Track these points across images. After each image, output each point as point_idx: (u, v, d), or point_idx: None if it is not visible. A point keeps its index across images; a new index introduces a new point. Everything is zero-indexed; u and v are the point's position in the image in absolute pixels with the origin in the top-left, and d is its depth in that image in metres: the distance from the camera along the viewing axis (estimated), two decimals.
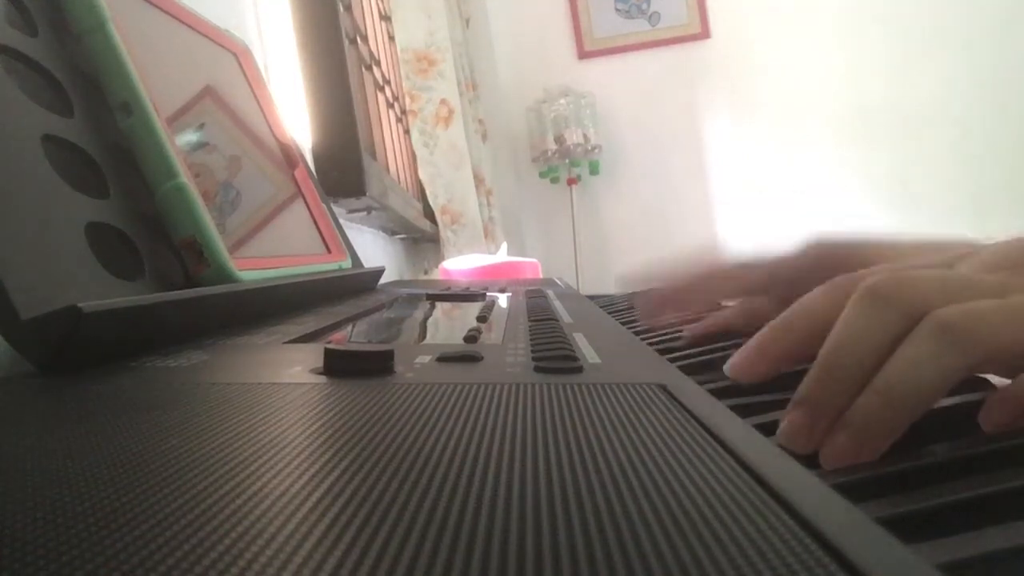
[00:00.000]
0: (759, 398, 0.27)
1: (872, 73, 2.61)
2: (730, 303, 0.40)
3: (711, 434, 0.17)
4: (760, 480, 0.14)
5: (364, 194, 0.98)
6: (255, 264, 0.46)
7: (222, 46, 0.60)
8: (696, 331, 0.37)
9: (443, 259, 1.61)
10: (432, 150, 1.73)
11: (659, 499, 0.12)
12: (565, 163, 2.62)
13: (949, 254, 0.26)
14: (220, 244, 0.40)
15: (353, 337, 0.40)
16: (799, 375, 0.23)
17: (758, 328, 0.27)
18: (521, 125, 2.69)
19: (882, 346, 0.21)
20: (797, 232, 0.36)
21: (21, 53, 0.34)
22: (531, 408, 0.19)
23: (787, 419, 0.22)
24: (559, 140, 2.55)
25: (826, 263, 0.32)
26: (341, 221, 0.80)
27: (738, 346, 0.27)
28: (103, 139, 0.38)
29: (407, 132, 1.81)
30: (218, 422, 0.18)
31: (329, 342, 0.32)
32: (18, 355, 0.26)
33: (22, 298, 0.25)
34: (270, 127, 0.64)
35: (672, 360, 0.33)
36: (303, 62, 0.96)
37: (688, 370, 0.30)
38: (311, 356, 0.28)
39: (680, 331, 0.39)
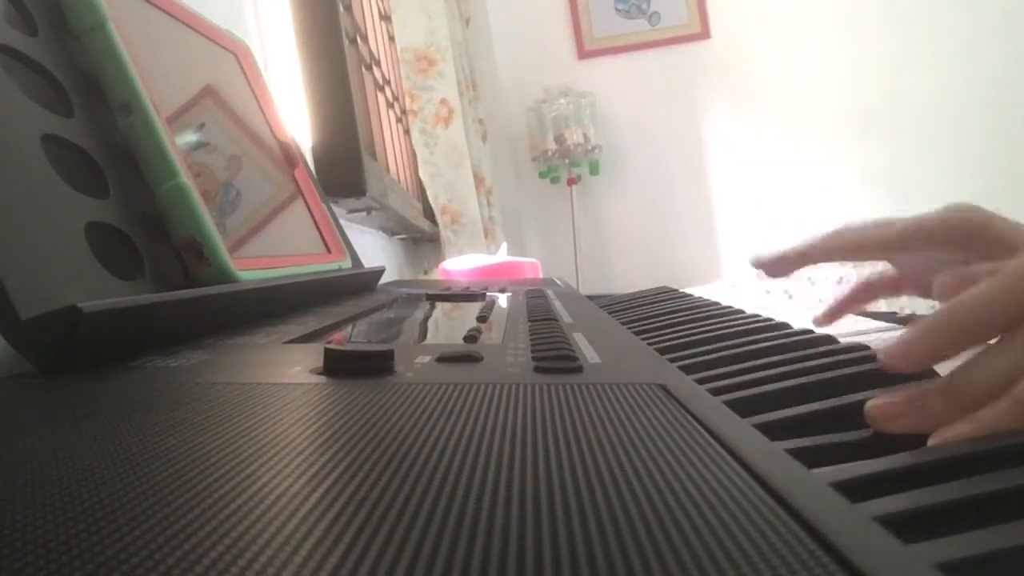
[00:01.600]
0: (758, 390, 0.27)
1: (872, 73, 2.61)
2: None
3: (711, 434, 0.17)
4: (760, 480, 0.14)
5: (364, 194, 0.98)
6: (255, 264, 0.46)
7: (222, 46, 0.60)
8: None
9: (443, 259, 1.61)
10: (432, 150, 1.73)
11: (659, 499, 0.12)
12: (565, 163, 2.62)
13: None
14: (220, 244, 0.40)
15: (353, 337, 0.40)
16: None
17: None
18: (521, 125, 2.69)
19: None
20: (799, 231, 0.36)
21: (21, 53, 0.34)
22: (531, 408, 0.19)
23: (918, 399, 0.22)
24: (559, 140, 2.55)
25: (961, 228, 0.32)
26: (341, 221, 0.80)
27: None
28: (103, 139, 0.38)
29: (407, 132, 1.81)
30: (218, 422, 0.18)
31: (329, 342, 0.32)
32: (18, 355, 0.26)
33: (22, 298, 0.25)
34: (270, 127, 0.64)
35: (672, 360, 0.33)
36: (303, 62, 0.96)
37: (688, 370, 0.30)
38: (311, 356, 0.28)
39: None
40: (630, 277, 2.60)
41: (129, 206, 0.37)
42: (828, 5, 2.62)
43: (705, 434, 0.17)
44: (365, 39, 1.48)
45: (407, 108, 1.76)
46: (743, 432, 0.17)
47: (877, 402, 0.22)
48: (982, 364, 0.23)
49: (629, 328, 0.46)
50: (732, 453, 0.15)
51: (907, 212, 0.35)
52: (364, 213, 1.12)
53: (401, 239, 1.62)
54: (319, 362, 0.25)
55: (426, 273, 1.77)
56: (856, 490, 0.17)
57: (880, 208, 2.48)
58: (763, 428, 0.20)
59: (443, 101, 1.75)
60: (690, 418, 0.18)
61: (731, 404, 0.23)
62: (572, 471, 0.14)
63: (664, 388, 0.22)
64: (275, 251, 0.53)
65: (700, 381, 0.28)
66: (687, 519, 0.12)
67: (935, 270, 0.30)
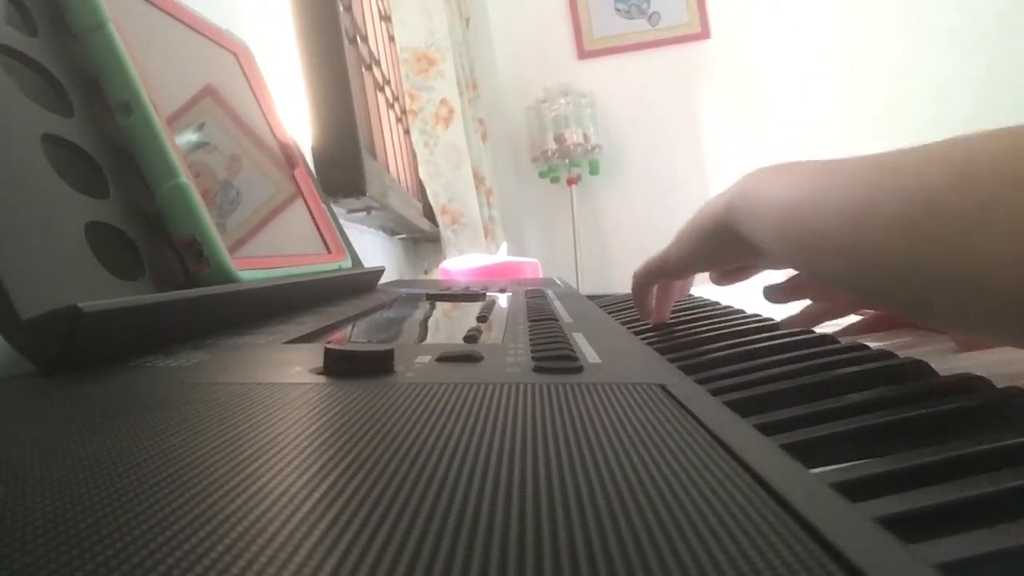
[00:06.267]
0: (758, 390, 0.27)
1: (873, 73, 2.60)
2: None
3: (711, 434, 0.17)
4: (760, 480, 0.14)
5: (364, 194, 0.98)
6: (255, 264, 0.46)
7: (222, 46, 0.60)
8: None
9: (443, 259, 1.61)
10: (432, 150, 1.73)
11: (659, 499, 0.12)
12: (565, 163, 2.62)
13: None
14: (220, 244, 0.40)
15: (353, 337, 0.40)
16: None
17: None
18: (521, 125, 2.69)
19: None
20: None
21: (21, 53, 0.34)
22: (531, 408, 0.19)
23: None
24: (559, 140, 2.55)
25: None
26: (341, 221, 0.80)
27: None
28: (103, 139, 0.38)
29: (407, 132, 1.81)
30: (218, 422, 0.18)
31: (329, 342, 0.32)
32: (18, 355, 0.26)
33: (22, 298, 0.25)
34: (270, 127, 0.63)
35: (672, 360, 0.33)
36: (303, 62, 0.96)
37: (688, 370, 0.30)
38: (311, 356, 0.28)
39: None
40: (630, 277, 2.59)
41: (129, 206, 0.37)
42: (828, 5, 2.62)
43: (705, 434, 0.17)
44: (365, 39, 1.48)
45: (407, 108, 1.76)
46: (743, 432, 0.17)
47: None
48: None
49: (629, 328, 0.46)
50: (732, 453, 0.15)
51: None
52: (364, 213, 1.12)
53: (401, 239, 1.62)
54: (319, 362, 0.25)
55: (426, 273, 1.77)
56: (856, 490, 0.17)
57: None
58: (763, 428, 0.20)
59: (443, 101, 1.75)
60: (690, 418, 0.18)
61: (731, 404, 0.23)
62: (572, 471, 0.14)
63: (664, 388, 0.22)
64: (275, 251, 0.53)
65: (700, 381, 0.28)
66: (687, 519, 0.12)
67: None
